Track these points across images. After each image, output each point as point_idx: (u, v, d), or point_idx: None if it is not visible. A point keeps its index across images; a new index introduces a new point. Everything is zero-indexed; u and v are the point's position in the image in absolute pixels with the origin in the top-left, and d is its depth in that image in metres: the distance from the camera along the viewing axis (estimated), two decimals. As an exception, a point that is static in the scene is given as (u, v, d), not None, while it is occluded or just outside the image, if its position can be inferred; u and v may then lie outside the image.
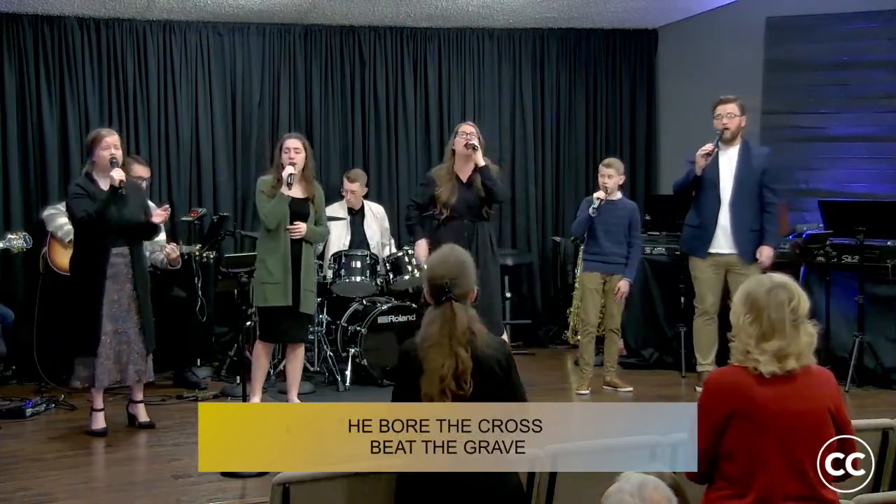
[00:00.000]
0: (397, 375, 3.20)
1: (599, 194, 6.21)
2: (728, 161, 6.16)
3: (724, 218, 6.12)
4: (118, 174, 5.22)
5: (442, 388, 2.92)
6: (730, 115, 6.07)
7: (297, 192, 5.73)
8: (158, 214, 5.45)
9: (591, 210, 6.19)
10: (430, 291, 3.10)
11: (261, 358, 5.79)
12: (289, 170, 5.61)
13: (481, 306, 5.96)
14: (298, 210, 5.71)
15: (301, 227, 5.69)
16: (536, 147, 8.49)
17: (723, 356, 6.31)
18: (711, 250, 6.16)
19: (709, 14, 8.12)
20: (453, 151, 6.11)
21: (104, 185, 5.28)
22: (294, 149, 5.69)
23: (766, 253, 6.12)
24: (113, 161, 5.25)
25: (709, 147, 6.01)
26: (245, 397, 5.24)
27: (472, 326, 3.03)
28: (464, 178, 6.10)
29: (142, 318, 5.36)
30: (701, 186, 6.17)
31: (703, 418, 2.87)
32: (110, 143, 5.30)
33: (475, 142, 6.00)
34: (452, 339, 2.97)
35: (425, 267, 3.27)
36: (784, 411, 2.78)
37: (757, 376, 2.80)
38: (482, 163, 6.02)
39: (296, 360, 5.89)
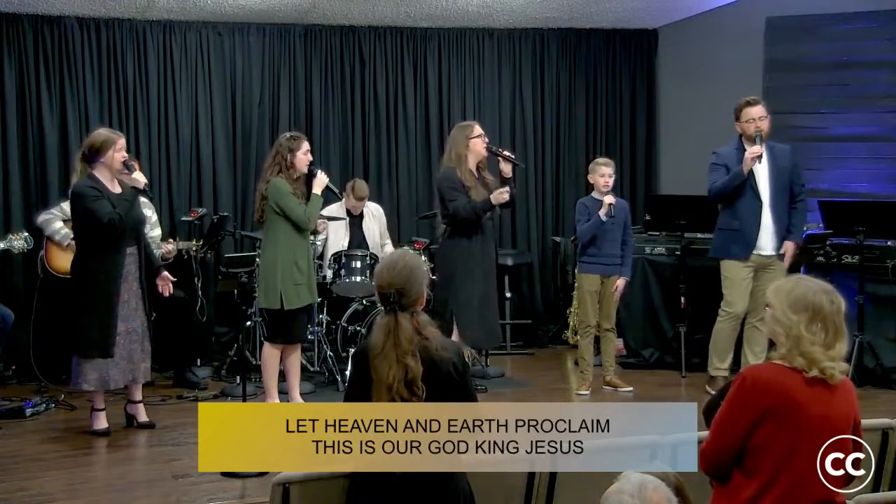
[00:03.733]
0: (350, 376, 3.19)
1: (609, 199, 6.19)
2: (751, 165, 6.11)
3: (767, 219, 6.06)
4: (141, 177, 5.32)
5: (391, 396, 2.91)
6: (762, 117, 6.02)
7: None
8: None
9: (604, 216, 6.17)
10: (379, 299, 3.10)
11: (273, 360, 5.77)
12: (326, 177, 5.77)
13: (487, 305, 6.04)
14: None
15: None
16: (536, 147, 8.49)
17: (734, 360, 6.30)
18: (756, 251, 6.06)
19: (709, 14, 8.12)
20: (466, 154, 6.03)
21: (111, 187, 5.31)
22: (310, 151, 5.83)
23: (791, 248, 6.12)
24: (129, 164, 5.31)
25: (758, 149, 5.93)
26: (245, 397, 5.23)
27: (422, 332, 3.00)
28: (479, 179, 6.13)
29: (147, 317, 5.41)
30: (737, 189, 6.09)
31: (735, 413, 2.82)
32: (122, 145, 5.35)
33: (509, 153, 6.08)
34: (398, 348, 2.94)
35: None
36: (819, 415, 2.77)
37: (805, 378, 2.77)
38: (510, 174, 6.03)
39: (296, 359, 5.90)
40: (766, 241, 6.09)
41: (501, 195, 5.91)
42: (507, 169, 6.04)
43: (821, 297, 2.81)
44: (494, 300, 6.21)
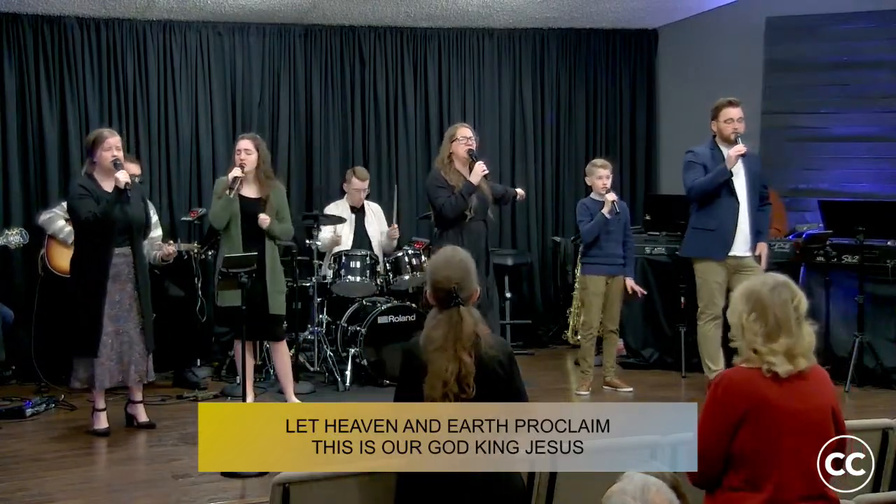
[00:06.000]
0: (400, 375, 3.17)
1: (612, 196, 6.19)
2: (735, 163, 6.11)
3: (744, 220, 6.04)
4: (123, 176, 5.19)
5: (444, 391, 2.91)
6: (741, 118, 6.01)
7: (250, 192, 5.65)
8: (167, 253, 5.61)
9: (608, 213, 6.16)
10: (436, 295, 3.05)
11: (239, 356, 5.69)
12: (234, 172, 5.56)
13: (487, 308, 5.98)
14: (251, 210, 5.62)
15: (266, 218, 5.60)
16: (536, 147, 8.49)
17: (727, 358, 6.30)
18: (731, 253, 6.03)
19: (709, 14, 8.13)
20: (450, 155, 5.92)
21: (106, 186, 5.27)
22: (245, 150, 5.63)
23: (765, 249, 6.14)
24: (116, 163, 5.24)
25: (742, 148, 5.92)
26: (244, 397, 5.24)
27: (476, 329, 3.01)
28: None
29: (143, 319, 5.36)
30: (716, 189, 6.04)
31: (715, 419, 2.85)
32: (112, 143, 5.27)
33: (484, 168, 5.85)
34: (458, 343, 2.94)
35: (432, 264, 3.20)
36: (794, 410, 2.79)
37: (769, 376, 2.80)
38: (475, 180, 5.83)
39: (280, 357, 5.83)
40: (741, 242, 6.07)
41: (481, 168, 5.77)
42: (475, 171, 5.82)
43: (765, 289, 2.85)
44: (486, 297, 6.06)
